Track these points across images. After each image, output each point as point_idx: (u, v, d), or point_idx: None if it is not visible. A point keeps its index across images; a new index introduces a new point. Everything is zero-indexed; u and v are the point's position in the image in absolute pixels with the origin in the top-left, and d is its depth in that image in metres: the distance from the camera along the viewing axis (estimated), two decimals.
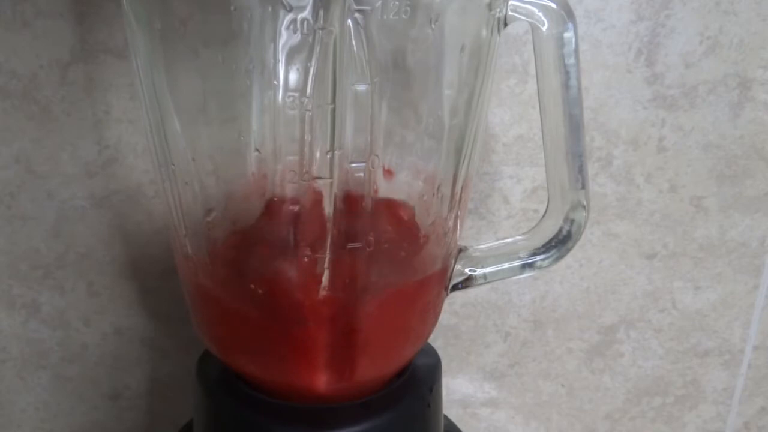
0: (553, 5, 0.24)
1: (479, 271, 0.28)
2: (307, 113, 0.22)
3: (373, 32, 0.21)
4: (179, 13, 0.22)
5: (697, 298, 0.42)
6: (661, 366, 0.43)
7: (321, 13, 0.21)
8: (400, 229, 0.26)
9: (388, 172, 0.25)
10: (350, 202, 0.24)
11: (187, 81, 0.24)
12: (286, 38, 0.21)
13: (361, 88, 0.22)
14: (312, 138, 0.22)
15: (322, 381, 0.25)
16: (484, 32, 0.24)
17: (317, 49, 0.21)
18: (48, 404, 0.43)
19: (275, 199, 0.24)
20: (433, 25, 0.23)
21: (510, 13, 0.25)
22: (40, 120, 0.36)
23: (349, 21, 0.21)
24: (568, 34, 0.24)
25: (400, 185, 0.25)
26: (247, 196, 0.25)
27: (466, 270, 0.28)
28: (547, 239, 0.28)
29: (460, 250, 0.28)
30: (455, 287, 0.28)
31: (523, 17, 0.25)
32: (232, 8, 0.21)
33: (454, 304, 0.41)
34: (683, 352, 0.43)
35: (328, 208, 0.23)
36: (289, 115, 0.22)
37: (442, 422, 0.30)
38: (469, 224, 0.39)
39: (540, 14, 0.24)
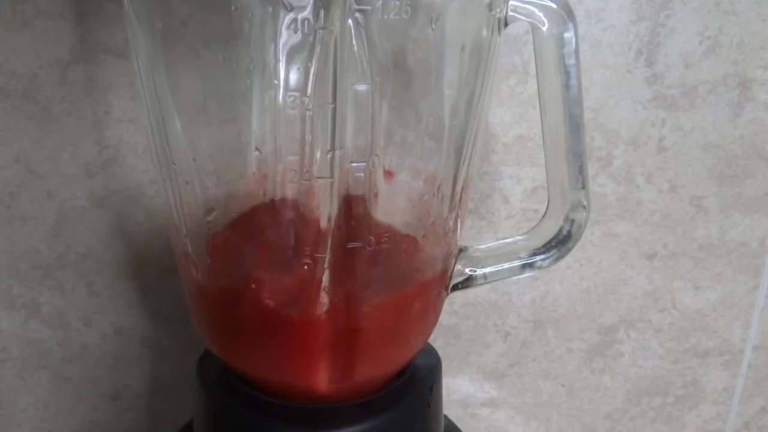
0: (554, 5, 0.24)
1: (479, 271, 0.28)
2: (308, 113, 0.22)
3: (373, 32, 0.21)
4: (180, 13, 0.22)
5: (697, 298, 0.42)
6: (661, 366, 0.43)
7: (321, 12, 0.21)
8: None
9: (389, 173, 0.25)
10: (350, 202, 0.24)
11: (187, 81, 0.24)
12: (286, 38, 0.21)
13: (362, 87, 0.22)
14: (312, 138, 0.22)
15: (322, 381, 0.25)
16: (484, 32, 0.24)
17: (318, 48, 0.21)
18: (48, 404, 0.43)
19: (276, 198, 0.24)
20: (433, 25, 0.23)
21: (510, 13, 0.25)
22: (40, 120, 0.36)
23: (350, 21, 0.21)
24: (569, 34, 0.24)
25: (401, 185, 0.25)
26: (247, 195, 0.25)
27: (467, 270, 0.28)
28: (547, 239, 0.28)
29: (461, 250, 0.28)
30: (455, 287, 0.28)
31: (523, 17, 0.25)
32: (232, 8, 0.21)
33: (454, 304, 0.41)
34: (683, 352, 0.43)
35: (328, 208, 0.23)
36: (289, 115, 0.22)
37: (442, 422, 0.30)
38: (469, 224, 0.39)
39: (540, 14, 0.24)
